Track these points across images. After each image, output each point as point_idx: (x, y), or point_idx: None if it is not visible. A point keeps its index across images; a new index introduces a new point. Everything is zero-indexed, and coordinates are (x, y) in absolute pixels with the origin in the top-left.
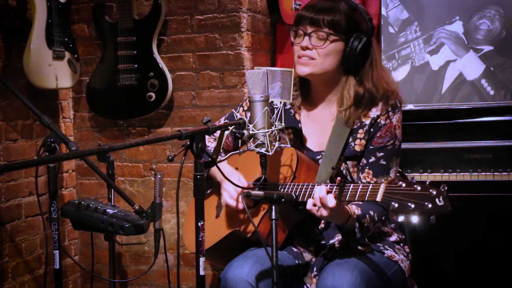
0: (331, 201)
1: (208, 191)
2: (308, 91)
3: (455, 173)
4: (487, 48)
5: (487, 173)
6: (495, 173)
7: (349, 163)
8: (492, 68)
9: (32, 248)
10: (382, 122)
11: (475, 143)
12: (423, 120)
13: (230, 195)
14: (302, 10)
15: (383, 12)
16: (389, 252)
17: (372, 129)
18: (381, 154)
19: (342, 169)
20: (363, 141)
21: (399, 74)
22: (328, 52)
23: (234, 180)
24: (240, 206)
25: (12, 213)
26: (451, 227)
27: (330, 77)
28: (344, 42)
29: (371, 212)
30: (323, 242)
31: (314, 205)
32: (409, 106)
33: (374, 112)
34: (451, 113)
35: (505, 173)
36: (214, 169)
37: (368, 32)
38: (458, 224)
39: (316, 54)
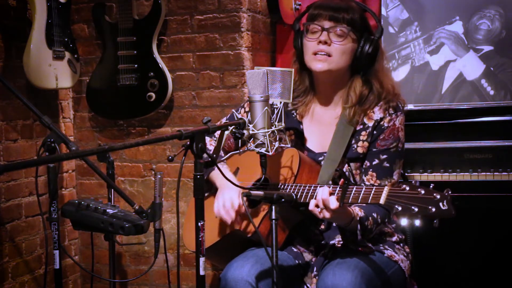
0: (334, 203)
1: (206, 194)
2: (314, 92)
3: (455, 173)
4: (487, 48)
5: (487, 173)
6: (495, 173)
7: (352, 165)
8: (492, 68)
9: (32, 248)
10: (386, 124)
11: (475, 143)
12: (423, 120)
13: (223, 205)
14: (317, 8)
15: (383, 12)
16: (389, 252)
17: (375, 132)
18: (385, 156)
19: (345, 171)
20: (366, 143)
21: (399, 74)
22: (345, 50)
23: (228, 192)
24: (229, 220)
25: (12, 213)
26: (451, 227)
27: (340, 76)
28: (357, 41)
29: (374, 215)
30: (323, 242)
31: (317, 206)
32: (409, 106)
33: (378, 114)
34: (451, 113)
35: (505, 173)
36: (212, 175)
37: (378, 32)
38: (458, 224)
39: (333, 50)
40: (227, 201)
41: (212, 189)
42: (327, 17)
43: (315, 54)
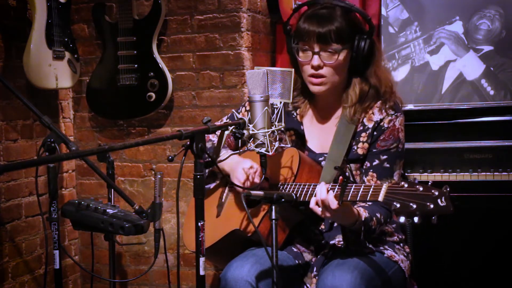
0: (333, 202)
1: (213, 185)
2: (312, 95)
3: (455, 173)
4: (487, 48)
5: (487, 173)
6: (495, 173)
7: (352, 165)
8: (492, 68)
9: (32, 248)
10: (386, 125)
11: (475, 143)
12: (423, 120)
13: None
14: (304, 23)
15: (383, 12)
16: (389, 252)
17: (375, 132)
18: (385, 157)
19: (345, 169)
20: (366, 145)
21: (399, 74)
22: (338, 66)
23: (246, 164)
24: (257, 180)
25: (12, 213)
26: (451, 227)
27: (337, 85)
28: (350, 48)
29: (378, 215)
30: (323, 242)
31: (317, 204)
32: (409, 106)
33: (377, 116)
34: (451, 113)
35: (505, 173)
36: (220, 165)
37: (369, 32)
38: (458, 224)
39: (327, 72)
40: (247, 165)
41: (220, 179)
42: (315, 37)
43: (311, 76)
